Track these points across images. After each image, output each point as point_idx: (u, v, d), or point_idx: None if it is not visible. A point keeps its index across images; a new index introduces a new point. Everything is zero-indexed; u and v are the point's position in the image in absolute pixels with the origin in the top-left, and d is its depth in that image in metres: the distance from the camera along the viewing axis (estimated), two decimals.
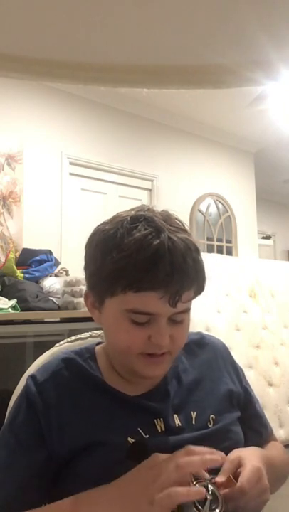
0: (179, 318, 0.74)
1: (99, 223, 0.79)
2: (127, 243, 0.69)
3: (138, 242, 0.69)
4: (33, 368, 0.91)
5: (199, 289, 0.75)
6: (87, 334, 1.01)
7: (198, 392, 0.83)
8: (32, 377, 0.79)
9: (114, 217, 0.76)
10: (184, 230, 0.74)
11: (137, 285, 0.68)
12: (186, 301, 0.73)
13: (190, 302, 0.75)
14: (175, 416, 0.78)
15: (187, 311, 0.75)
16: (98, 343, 0.88)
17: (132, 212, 0.75)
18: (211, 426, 0.80)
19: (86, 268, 0.78)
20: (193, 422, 0.79)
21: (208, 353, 0.90)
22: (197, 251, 0.73)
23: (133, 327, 0.72)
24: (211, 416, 0.81)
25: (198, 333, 0.94)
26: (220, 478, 0.67)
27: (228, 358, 0.93)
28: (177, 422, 0.77)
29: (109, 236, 0.72)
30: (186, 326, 0.77)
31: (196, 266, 0.72)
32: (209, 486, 0.63)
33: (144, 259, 0.68)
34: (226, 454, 0.78)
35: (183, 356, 0.87)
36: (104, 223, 0.77)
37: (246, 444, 0.84)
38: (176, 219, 0.76)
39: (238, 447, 0.82)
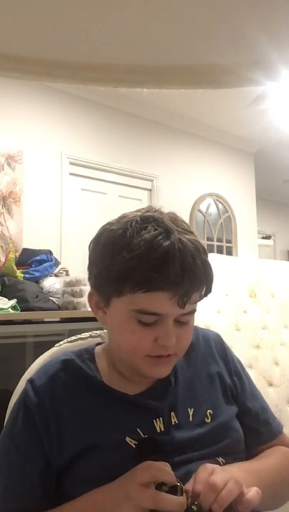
0: (185, 320, 0.74)
1: (103, 223, 0.77)
2: (137, 243, 0.69)
3: (148, 242, 0.68)
4: (33, 368, 0.91)
5: (207, 290, 0.74)
6: (87, 334, 1.00)
7: (194, 388, 0.82)
8: (30, 381, 0.78)
9: (121, 218, 0.75)
10: (191, 232, 0.74)
11: (147, 285, 0.68)
12: (194, 303, 0.73)
13: (196, 304, 0.75)
14: (172, 414, 0.78)
15: (193, 312, 0.75)
16: (98, 344, 0.88)
17: (140, 213, 0.74)
18: (208, 421, 0.79)
19: (91, 268, 0.77)
20: (191, 419, 0.78)
21: (204, 348, 0.89)
22: (205, 253, 0.73)
23: (140, 328, 0.71)
24: (209, 411, 0.80)
25: (194, 327, 0.94)
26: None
27: (221, 349, 0.91)
28: (174, 420, 0.77)
29: (118, 235, 0.71)
30: (190, 328, 0.77)
31: (205, 267, 0.72)
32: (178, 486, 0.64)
33: (154, 259, 0.67)
34: (226, 452, 0.77)
35: None
36: (110, 223, 0.76)
37: (245, 443, 0.84)
38: (182, 221, 0.75)
39: (238, 445, 0.82)
